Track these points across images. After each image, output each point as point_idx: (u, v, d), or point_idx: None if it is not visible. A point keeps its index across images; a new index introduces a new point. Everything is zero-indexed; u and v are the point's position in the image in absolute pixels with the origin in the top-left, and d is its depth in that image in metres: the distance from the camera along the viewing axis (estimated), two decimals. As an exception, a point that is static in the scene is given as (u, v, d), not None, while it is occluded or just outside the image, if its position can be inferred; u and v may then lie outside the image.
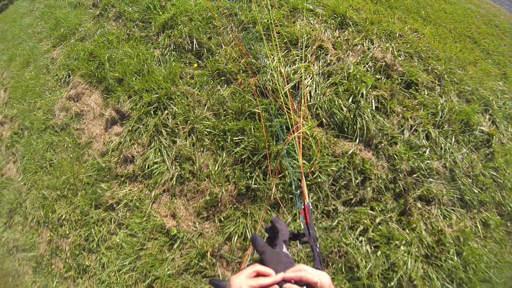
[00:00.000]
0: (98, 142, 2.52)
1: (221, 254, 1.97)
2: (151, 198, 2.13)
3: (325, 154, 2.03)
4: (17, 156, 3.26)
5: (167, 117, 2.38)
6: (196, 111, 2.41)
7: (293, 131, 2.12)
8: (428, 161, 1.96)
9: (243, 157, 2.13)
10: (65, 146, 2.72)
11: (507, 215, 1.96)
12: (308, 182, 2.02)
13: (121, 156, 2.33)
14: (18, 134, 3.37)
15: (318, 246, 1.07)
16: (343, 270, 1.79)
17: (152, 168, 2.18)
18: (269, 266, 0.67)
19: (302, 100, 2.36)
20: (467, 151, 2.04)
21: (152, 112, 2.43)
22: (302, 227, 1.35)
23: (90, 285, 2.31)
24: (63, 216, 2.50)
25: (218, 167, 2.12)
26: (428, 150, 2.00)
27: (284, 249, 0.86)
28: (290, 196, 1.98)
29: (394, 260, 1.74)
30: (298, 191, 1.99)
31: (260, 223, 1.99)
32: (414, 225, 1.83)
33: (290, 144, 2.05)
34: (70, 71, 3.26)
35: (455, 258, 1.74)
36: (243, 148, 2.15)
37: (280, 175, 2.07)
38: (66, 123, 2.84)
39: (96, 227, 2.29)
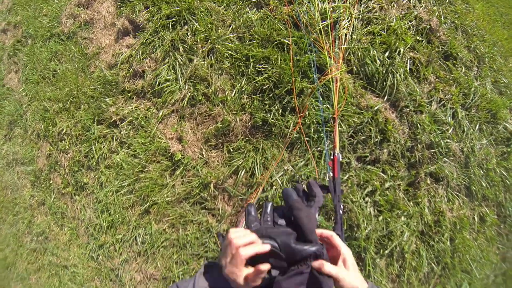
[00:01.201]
0: (107, 53, 2.43)
1: (225, 187, 1.94)
2: (158, 118, 2.07)
3: (349, 103, 1.97)
4: (19, 65, 3.25)
5: (186, 33, 2.23)
6: (219, 30, 2.23)
7: (328, 72, 1.95)
8: (449, 141, 2.01)
9: (264, 88, 2.00)
10: (71, 56, 2.66)
11: (503, 217, 2.09)
12: (327, 128, 1.89)
13: (131, 70, 2.24)
14: (21, 42, 3.33)
15: (342, 207, 0.98)
16: (344, 226, 1.75)
17: (163, 85, 2.09)
18: (303, 222, 0.64)
19: (337, 42, 2.16)
20: (487, 143, 2.08)
21: (170, 26, 2.28)
22: (327, 180, 1.23)
23: (87, 203, 2.38)
24: (64, 130, 2.52)
25: (235, 93, 2.00)
26: (451, 129, 2.03)
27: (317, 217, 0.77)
28: (307, 139, 1.86)
29: (392, 229, 1.85)
30: (328, 141, 1.86)
31: (274, 165, 1.90)
32: (419, 200, 1.91)
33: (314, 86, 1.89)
34: (80, -26, 3.07)
35: (447, 242, 1.87)
36: (266, 78, 2.00)
37: (302, 115, 1.92)
38: (73, 32, 2.75)
39: (97, 144, 2.29)
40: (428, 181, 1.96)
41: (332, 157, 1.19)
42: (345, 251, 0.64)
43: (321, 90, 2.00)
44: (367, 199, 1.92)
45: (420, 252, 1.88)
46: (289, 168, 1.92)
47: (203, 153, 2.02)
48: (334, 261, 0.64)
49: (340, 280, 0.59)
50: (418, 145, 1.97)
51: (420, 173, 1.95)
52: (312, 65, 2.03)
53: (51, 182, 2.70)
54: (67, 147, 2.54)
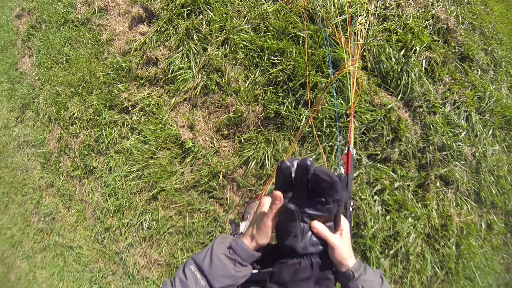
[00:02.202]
0: (121, 40, 2.31)
1: (234, 178, 1.84)
2: (170, 106, 1.96)
3: (362, 100, 1.88)
4: (32, 50, 3.13)
5: (201, 23, 2.11)
6: (234, 21, 2.12)
7: (345, 66, 1.85)
8: (461, 144, 1.91)
9: (278, 80, 1.89)
10: (84, 42, 2.53)
11: (511, 227, 2.00)
12: (340, 124, 1.79)
13: (144, 57, 2.12)
14: (35, 27, 3.21)
15: (352, 205, 0.88)
16: (351, 224, 1.65)
17: (176, 73, 1.98)
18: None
19: (353, 37, 2.05)
20: (499, 149, 1.98)
21: (185, 15, 2.16)
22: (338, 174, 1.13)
23: (95, 186, 2.27)
24: (75, 115, 2.41)
25: (248, 84, 1.89)
26: (464, 133, 1.94)
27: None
28: (319, 133, 1.76)
29: (399, 229, 1.78)
30: (340, 136, 1.76)
31: (285, 158, 1.79)
32: (428, 202, 1.81)
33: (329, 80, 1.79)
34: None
35: (453, 247, 1.79)
36: (280, 70, 1.90)
37: (314, 108, 1.82)
38: (87, 18, 2.63)
39: (107, 129, 2.18)
40: (438, 184, 1.87)
41: (346, 152, 1.10)
42: (343, 223, 0.62)
43: (335, 85, 1.89)
44: (375, 197, 1.84)
45: (424, 255, 1.80)
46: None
47: (214, 142, 1.91)
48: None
49: (334, 247, 0.58)
50: (430, 146, 1.87)
51: (430, 175, 1.86)
52: (327, 59, 1.93)
53: (60, 164, 2.59)
54: (78, 131, 2.44)
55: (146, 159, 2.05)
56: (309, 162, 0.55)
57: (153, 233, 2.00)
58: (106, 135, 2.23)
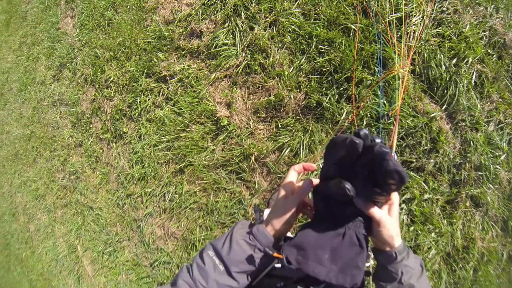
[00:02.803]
0: (165, 9, 2.20)
1: (266, 162, 1.72)
2: (210, 80, 1.85)
3: (406, 104, 1.72)
4: (75, 11, 3.07)
5: (250, 1, 1.97)
6: (284, 3, 1.96)
7: (395, 68, 1.68)
8: (498, 167, 1.75)
9: (323, 70, 1.75)
10: (128, 7, 2.44)
11: None
12: (380, 124, 1.63)
13: (188, 28, 2.01)
14: (82, -11, 3.11)
15: None
16: None
17: (219, 49, 1.86)
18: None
19: (405, 38, 1.86)
20: None
21: (233, -10, 2.00)
22: None
23: (123, 152, 2.21)
24: (111, 78, 2.33)
25: (293, 70, 1.75)
26: (503, 156, 1.77)
27: None
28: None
29: (420, 242, 1.69)
30: (380, 139, 1.61)
31: (320, 151, 1.66)
32: (454, 220, 1.70)
33: (376, 79, 1.62)
34: None
35: (470, 272, 1.68)
36: (327, 61, 1.75)
37: (357, 105, 1.66)
38: (134, -16, 2.50)
39: (142, 96, 2.09)
40: (468, 204, 1.73)
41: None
42: (394, 197, 0.55)
43: (381, 84, 1.73)
44: (403, 205, 1.72)
45: (441, 274, 1.69)
46: None
47: (250, 123, 1.80)
48: None
49: (381, 225, 0.51)
50: (467, 163, 1.71)
51: (461, 193, 1.71)
52: (376, 57, 1.75)
53: (91, 126, 2.55)
54: (112, 94, 2.37)
55: (178, 131, 1.96)
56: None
57: (174, 206, 1.93)
58: (140, 102, 2.15)
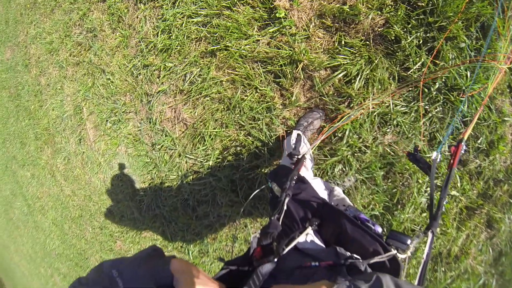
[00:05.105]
0: None
1: (312, 76, 1.30)
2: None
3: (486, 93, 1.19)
4: None
5: None
6: None
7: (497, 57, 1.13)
8: None
9: (418, 3, 1.19)
10: None
11: None
12: (460, 98, 1.18)
13: None
14: None
15: (446, 202, 0.66)
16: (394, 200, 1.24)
17: None
18: None
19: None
20: None
21: None
22: (432, 160, 0.76)
23: (150, 16, 1.67)
24: None
25: None
26: None
27: None
28: (425, 89, 1.16)
29: (424, 231, 1.36)
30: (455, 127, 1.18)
31: (375, 93, 1.21)
32: (463, 228, 1.49)
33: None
34: None
35: (447, 281, 1.55)
36: (425, 7, 1.14)
37: (435, 72, 1.18)
38: None
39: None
40: (482, 221, 1.53)
41: (456, 144, 0.76)
42: None
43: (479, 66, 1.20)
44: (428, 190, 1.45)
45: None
46: (389, 101, 1.25)
47: (310, 26, 1.28)
48: None
49: None
50: (506, 185, 1.43)
51: (484, 207, 1.48)
52: (486, 28, 1.17)
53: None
54: None
55: (221, 7, 1.41)
56: None
57: (193, 90, 1.52)
58: (185, -42, 1.51)
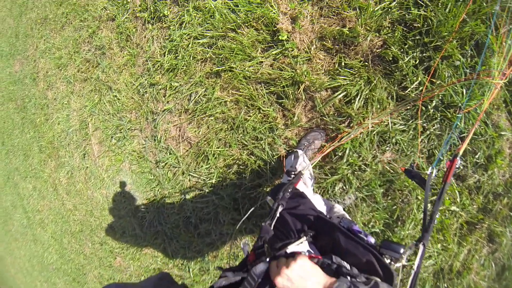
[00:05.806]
0: None
1: (314, 97, 1.33)
2: (285, -22, 1.27)
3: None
4: None
5: None
6: None
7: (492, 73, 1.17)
8: None
9: (414, 25, 1.27)
10: None
11: None
12: (458, 115, 1.21)
13: None
14: None
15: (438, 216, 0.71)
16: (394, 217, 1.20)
17: None
18: None
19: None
20: None
21: None
22: (427, 173, 0.80)
23: (158, 36, 1.72)
24: None
25: (379, 10, 1.26)
26: None
27: None
28: (423, 107, 1.18)
29: (426, 247, 1.35)
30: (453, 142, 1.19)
31: (375, 113, 1.23)
32: (464, 243, 1.47)
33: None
34: None
35: None
36: (422, 17, 1.25)
37: (430, 89, 1.21)
38: None
39: (196, -23, 1.50)
40: (484, 235, 1.50)
41: (451, 158, 0.78)
42: None
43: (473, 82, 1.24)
44: (429, 205, 1.41)
45: (425, 284, 1.52)
46: (387, 120, 1.26)
47: (312, 48, 1.32)
48: None
49: None
50: (506, 198, 1.41)
51: (485, 222, 1.46)
52: (480, 45, 1.21)
53: (128, 0, 1.97)
54: (162, -32, 1.76)
55: (226, 29, 1.46)
56: None
57: (198, 109, 1.54)
58: (192, -16, 1.58)
